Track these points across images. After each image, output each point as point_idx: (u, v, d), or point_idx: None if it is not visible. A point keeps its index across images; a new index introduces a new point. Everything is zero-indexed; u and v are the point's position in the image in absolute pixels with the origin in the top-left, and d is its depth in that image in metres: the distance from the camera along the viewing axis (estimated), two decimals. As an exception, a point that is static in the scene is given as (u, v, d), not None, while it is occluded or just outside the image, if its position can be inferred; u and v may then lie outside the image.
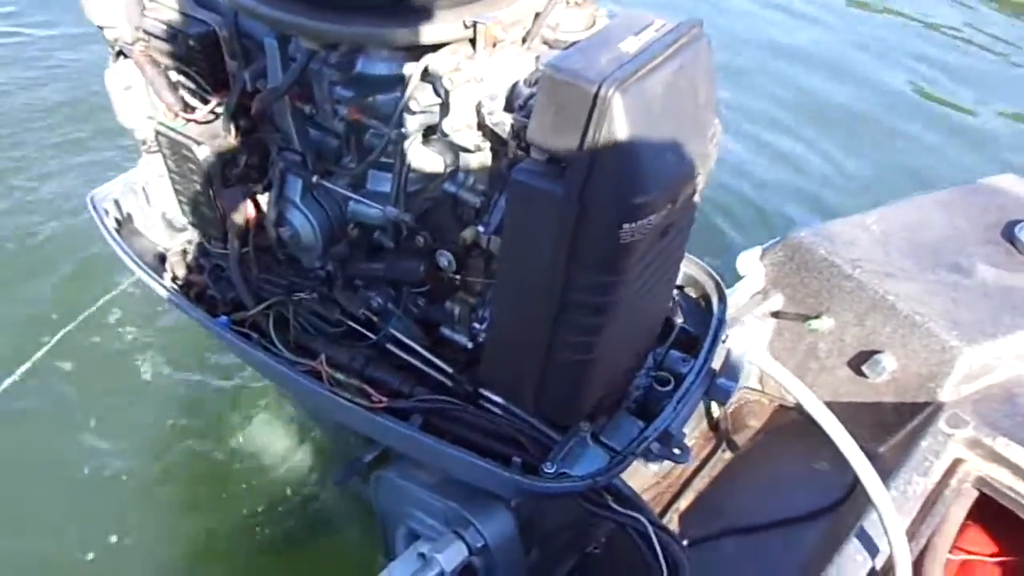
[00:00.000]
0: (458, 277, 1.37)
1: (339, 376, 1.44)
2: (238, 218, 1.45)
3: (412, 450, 1.45)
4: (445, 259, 1.32)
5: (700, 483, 2.05)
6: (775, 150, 3.97)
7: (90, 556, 2.03)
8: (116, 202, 1.83)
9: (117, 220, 1.82)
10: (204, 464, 2.24)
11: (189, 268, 1.71)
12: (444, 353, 1.51)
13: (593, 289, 1.09)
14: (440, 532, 1.54)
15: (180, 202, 1.59)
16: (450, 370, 1.46)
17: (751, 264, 2.17)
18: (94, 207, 1.81)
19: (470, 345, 1.51)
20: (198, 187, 1.49)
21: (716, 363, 1.53)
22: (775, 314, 2.17)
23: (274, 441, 2.29)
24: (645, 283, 1.17)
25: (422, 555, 1.54)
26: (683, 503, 2.00)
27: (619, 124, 0.93)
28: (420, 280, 1.39)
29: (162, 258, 1.81)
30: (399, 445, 1.48)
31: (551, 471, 1.28)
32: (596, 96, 0.92)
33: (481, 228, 1.23)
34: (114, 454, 2.22)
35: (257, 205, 1.46)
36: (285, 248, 1.53)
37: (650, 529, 1.30)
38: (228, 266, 1.55)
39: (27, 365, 2.30)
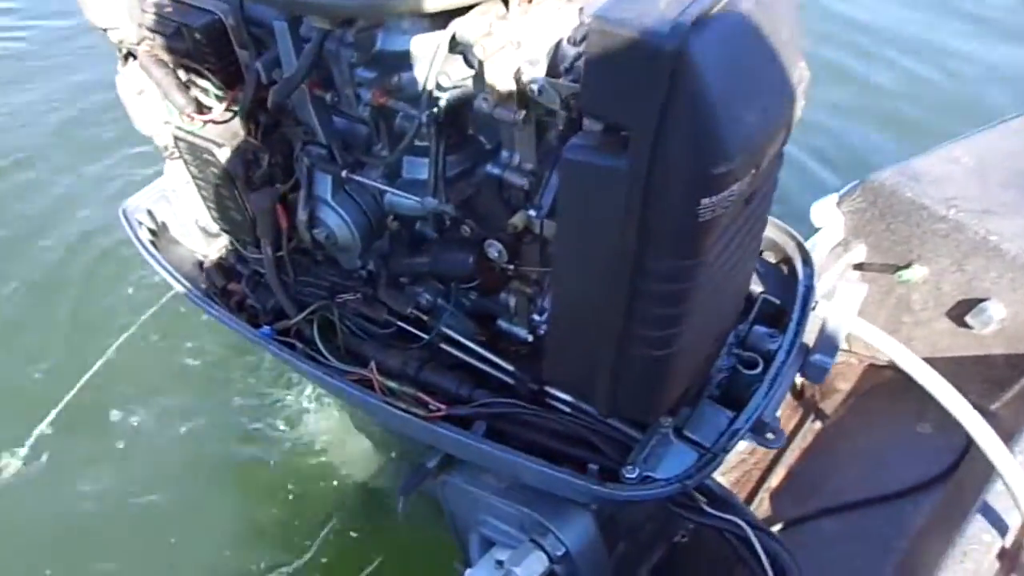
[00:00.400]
0: (511, 267, 1.22)
1: (392, 384, 1.31)
2: (269, 221, 1.32)
3: (477, 459, 1.32)
4: (495, 249, 1.16)
5: (790, 458, 1.88)
6: (842, 76, 3.60)
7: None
8: (150, 212, 1.73)
9: (151, 231, 1.72)
10: (272, 475, 2.17)
11: (227, 276, 1.60)
12: (504, 348, 1.37)
13: (669, 276, 0.92)
14: (517, 540, 1.41)
15: (208, 208, 1.47)
16: (511, 368, 1.31)
17: (828, 213, 1.95)
18: (127, 219, 1.71)
19: (530, 338, 1.37)
20: (223, 191, 1.36)
21: (807, 336, 1.35)
22: (858, 266, 1.96)
23: (334, 443, 2.20)
24: (727, 260, 1.00)
25: (500, 563, 1.43)
26: (774, 481, 1.83)
27: (690, 79, 0.76)
28: (470, 274, 1.24)
29: (202, 267, 1.70)
30: (463, 454, 1.35)
31: (633, 476, 1.14)
32: (659, 48, 0.75)
33: (532, 212, 1.07)
34: (170, 479, 2.17)
35: (287, 206, 1.32)
36: (322, 249, 1.40)
37: (751, 534, 1.14)
38: (265, 272, 1.43)
39: (65, 400, 2.26)
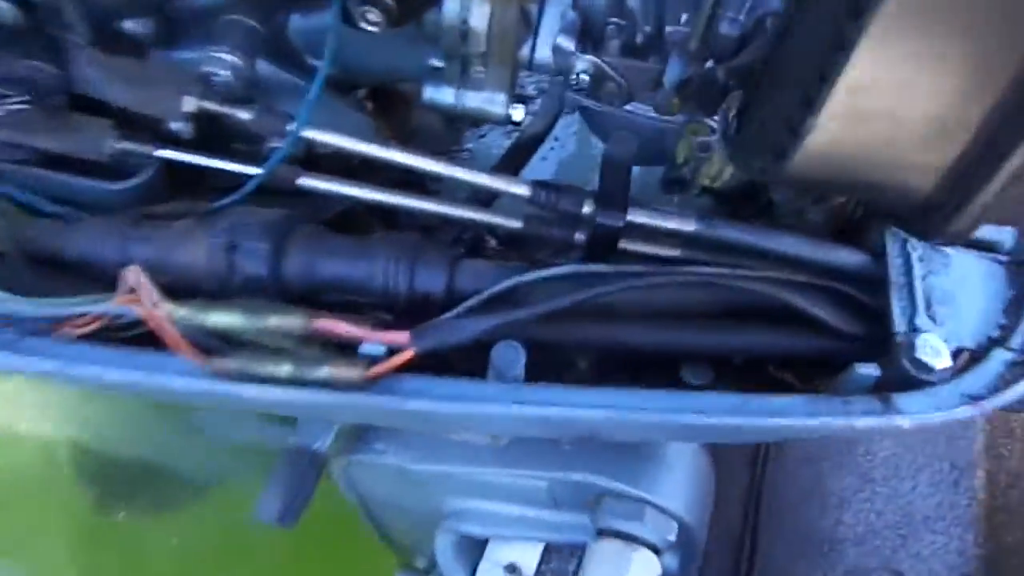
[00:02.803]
0: None
1: (224, 318, 0.44)
2: None
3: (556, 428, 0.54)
4: None
5: None
6: None
7: None
8: None
9: None
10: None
11: None
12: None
13: None
14: (545, 526, 0.70)
15: None
16: (558, 184, 0.51)
17: None
18: None
19: (518, 112, 0.56)
20: None
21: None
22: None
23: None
24: None
25: (512, 569, 0.73)
26: None
27: None
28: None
29: None
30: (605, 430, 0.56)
31: (939, 362, 0.45)
32: None
33: None
34: None
35: None
36: None
37: None
38: None
39: None
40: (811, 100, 0.30)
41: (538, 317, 0.45)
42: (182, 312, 0.44)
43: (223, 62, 0.49)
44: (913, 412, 0.43)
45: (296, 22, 0.55)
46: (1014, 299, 0.50)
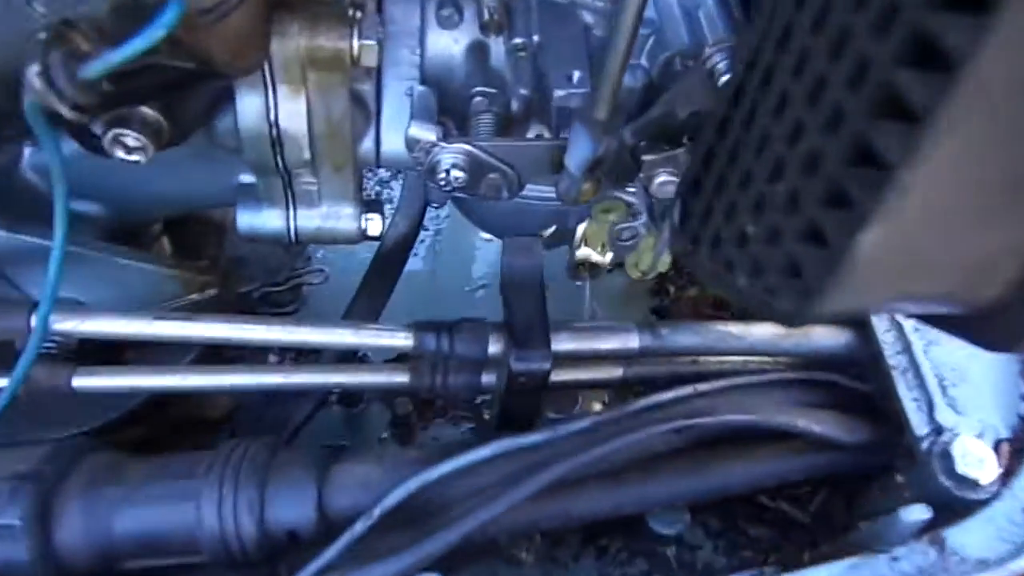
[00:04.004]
0: None
1: None
2: None
3: None
4: None
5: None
6: None
7: None
8: None
9: None
10: None
11: None
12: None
13: None
14: None
15: None
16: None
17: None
18: None
19: (371, 223, 0.41)
20: None
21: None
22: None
23: None
24: None
25: None
26: None
27: None
28: None
29: None
30: None
31: (983, 476, 0.34)
32: None
33: None
34: None
35: None
36: None
37: None
38: None
39: None
40: (848, 198, 0.17)
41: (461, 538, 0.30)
42: None
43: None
44: (978, 555, 0.32)
45: (31, 157, 0.38)
46: (1027, 356, 0.40)
